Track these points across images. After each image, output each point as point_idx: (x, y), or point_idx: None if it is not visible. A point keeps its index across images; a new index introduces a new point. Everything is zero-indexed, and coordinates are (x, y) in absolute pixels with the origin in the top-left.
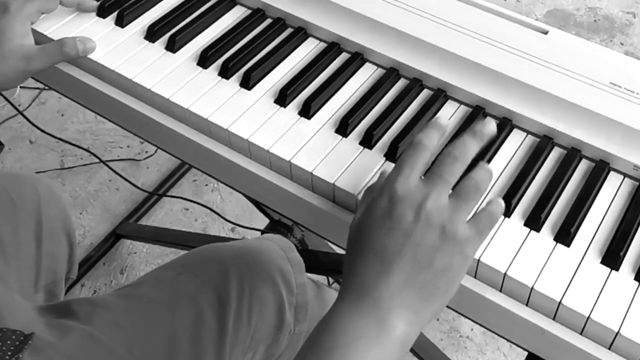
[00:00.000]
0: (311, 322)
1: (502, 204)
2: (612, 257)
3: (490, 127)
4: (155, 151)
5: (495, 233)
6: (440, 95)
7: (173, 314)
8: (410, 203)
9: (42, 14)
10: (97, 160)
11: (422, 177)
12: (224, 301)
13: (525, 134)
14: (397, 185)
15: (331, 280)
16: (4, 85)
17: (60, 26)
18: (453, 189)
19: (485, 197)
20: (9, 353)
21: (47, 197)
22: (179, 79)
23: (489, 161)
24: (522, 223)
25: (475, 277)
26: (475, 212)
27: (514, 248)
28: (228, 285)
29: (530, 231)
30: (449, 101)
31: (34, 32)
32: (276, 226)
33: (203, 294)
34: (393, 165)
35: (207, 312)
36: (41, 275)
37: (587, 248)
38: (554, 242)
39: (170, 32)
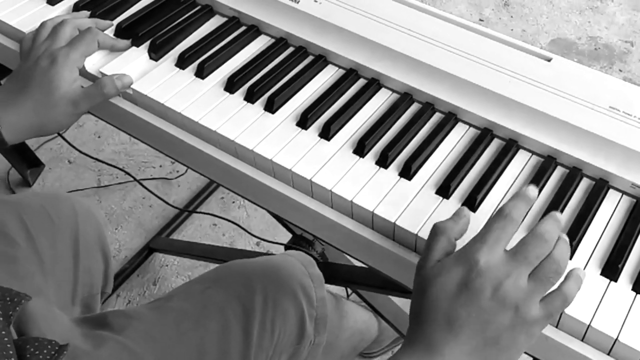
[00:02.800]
0: (330, 333)
1: (574, 289)
2: (611, 269)
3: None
4: (186, 170)
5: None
6: (451, 119)
7: (202, 325)
8: (491, 279)
9: (86, 57)
10: (132, 179)
11: (506, 250)
12: (250, 314)
13: (530, 154)
14: (480, 257)
15: (349, 291)
16: (55, 129)
17: (98, 60)
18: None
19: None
20: None
21: (84, 215)
22: (207, 103)
23: (495, 180)
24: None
25: None
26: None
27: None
28: (253, 299)
29: None
30: (459, 124)
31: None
32: (298, 240)
33: (230, 307)
34: (407, 181)
35: (234, 324)
36: (78, 290)
37: (588, 261)
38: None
39: (199, 60)
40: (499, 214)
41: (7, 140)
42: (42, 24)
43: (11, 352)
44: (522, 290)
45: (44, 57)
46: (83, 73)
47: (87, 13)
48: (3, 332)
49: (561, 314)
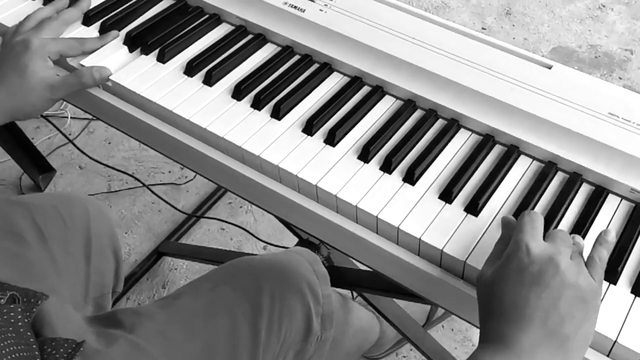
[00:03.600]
0: (336, 329)
1: (604, 253)
2: (611, 272)
3: (611, 235)
4: (194, 176)
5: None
6: (454, 125)
7: (211, 323)
8: (547, 259)
9: (62, 56)
10: (141, 185)
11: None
12: (257, 311)
13: (531, 159)
14: (529, 242)
15: (355, 294)
16: (33, 114)
17: (108, 62)
18: None
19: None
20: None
21: (96, 216)
22: (215, 110)
23: (497, 185)
24: None
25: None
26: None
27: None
28: (261, 296)
29: None
30: (462, 130)
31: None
32: (304, 245)
33: (238, 304)
34: (410, 186)
35: (242, 321)
36: (90, 289)
37: None
38: None
39: (207, 67)
40: (526, 212)
41: None
42: (28, 16)
43: (36, 352)
44: (573, 264)
45: (19, 43)
46: (66, 65)
47: (78, 13)
48: (29, 333)
49: None
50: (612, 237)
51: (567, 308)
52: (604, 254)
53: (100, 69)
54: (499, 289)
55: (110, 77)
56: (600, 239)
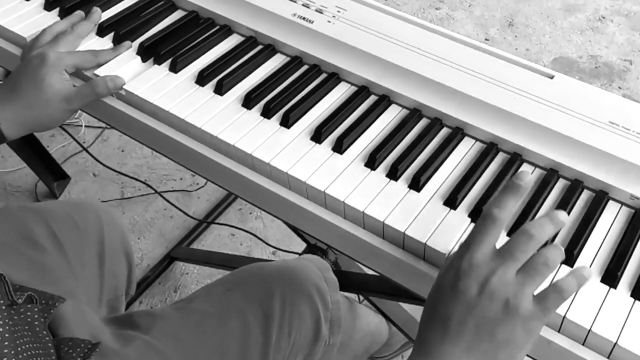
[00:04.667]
0: (344, 334)
1: (574, 283)
2: (611, 277)
3: (564, 216)
4: (205, 183)
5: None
6: (458, 133)
7: (223, 326)
8: (476, 277)
9: (77, 69)
10: (154, 191)
11: (494, 249)
12: (269, 315)
13: (533, 167)
14: (464, 259)
15: (361, 297)
16: (51, 125)
17: (122, 72)
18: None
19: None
20: (78, 359)
21: (108, 221)
22: (225, 118)
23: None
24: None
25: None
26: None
27: None
28: (272, 301)
29: None
30: (466, 138)
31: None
32: (312, 250)
33: (250, 308)
34: (416, 193)
35: (253, 325)
36: (104, 292)
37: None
38: (559, 265)
39: (218, 77)
40: (482, 216)
41: (6, 135)
42: (44, 30)
43: (52, 351)
44: (509, 284)
45: (36, 57)
46: (82, 76)
47: (91, 26)
48: (44, 332)
49: (563, 319)
50: (588, 273)
51: (488, 329)
52: (573, 287)
53: (113, 79)
54: (433, 297)
55: (124, 87)
56: (578, 271)
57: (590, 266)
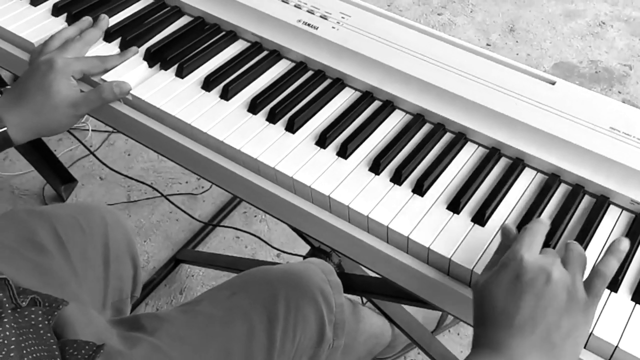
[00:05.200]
0: (347, 336)
1: (612, 265)
2: (612, 281)
3: (625, 243)
4: (211, 186)
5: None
6: (461, 138)
7: (228, 329)
8: (540, 268)
9: (85, 75)
10: (160, 195)
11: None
12: (273, 318)
13: (535, 172)
14: (524, 253)
15: (364, 299)
16: (58, 130)
17: (129, 77)
18: None
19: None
20: None
21: (113, 224)
22: (231, 123)
23: (503, 196)
24: None
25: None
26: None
27: None
28: (277, 304)
29: None
30: (468, 143)
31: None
32: (316, 252)
33: (255, 312)
34: (419, 197)
35: (258, 328)
36: (109, 294)
37: None
38: None
39: (224, 82)
40: (527, 226)
41: (13, 139)
42: (53, 36)
43: (57, 352)
44: (566, 274)
45: (44, 62)
46: (89, 81)
47: (99, 32)
48: (49, 334)
49: None
50: (625, 246)
51: (555, 318)
52: (613, 264)
53: (120, 84)
54: (492, 295)
55: (131, 92)
56: (612, 248)
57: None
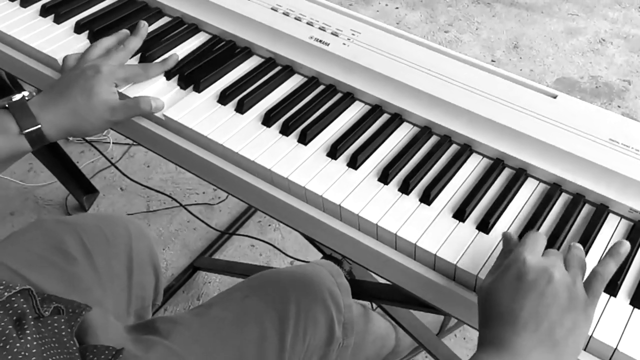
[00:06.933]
0: (357, 336)
1: (611, 267)
2: (611, 286)
3: (625, 246)
4: (227, 197)
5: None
6: (466, 150)
7: (241, 331)
8: (542, 268)
9: (127, 82)
10: (178, 205)
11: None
12: (284, 320)
13: (537, 182)
14: (527, 255)
15: (374, 305)
16: (90, 132)
17: (147, 92)
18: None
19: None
20: None
21: (137, 234)
22: (246, 135)
23: (507, 205)
24: None
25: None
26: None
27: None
28: (287, 306)
29: None
30: (474, 154)
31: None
32: (328, 260)
33: (266, 313)
34: (426, 206)
35: (270, 329)
36: (132, 302)
37: None
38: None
39: (239, 96)
40: (529, 233)
41: (47, 136)
42: (94, 44)
43: (79, 359)
44: (567, 275)
45: (90, 68)
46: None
47: (140, 41)
48: (72, 342)
49: None
50: (626, 249)
51: (558, 316)
52: (611, 267)
53: (156, 99)
54: (497, 296)
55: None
56: (612, 250)
57: None
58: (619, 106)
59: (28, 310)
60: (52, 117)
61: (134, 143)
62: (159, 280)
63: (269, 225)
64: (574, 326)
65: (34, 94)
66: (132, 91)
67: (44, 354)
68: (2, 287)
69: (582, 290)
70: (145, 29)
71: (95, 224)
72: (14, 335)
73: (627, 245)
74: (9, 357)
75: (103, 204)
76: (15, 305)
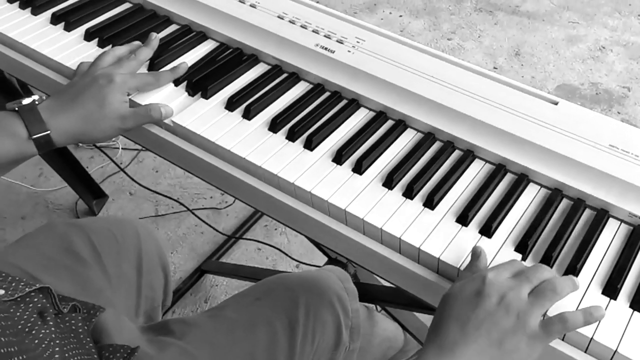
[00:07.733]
0: (363, 339)
1: (580, 320)
2: (611, 289)
3: (601, 313)
4: (234, 201)
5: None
6: (469, 155)
7: (252, 333)
8: (498, 289)
9: (138, 91)
10: (186, 209)
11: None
12: (294, 323)
13: (539, 187)
14: (489, 274)
15: (379, 308)
16: (100, 139)
17: (155, 99)
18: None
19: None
20: None
21: (146, 237)
22: (253, 141)
23: (509, 210)
24: (534, 262)
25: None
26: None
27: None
28: (297, 309)
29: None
30: (476, 160)
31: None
32: (333, 263)
33: (277, 317)
34: (430, 211)
35: (280, 332)
36: (142, 303)
37: (590, 281)
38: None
39: (246, 103)
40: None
41: (55, 142)
42: (106, 52)
43: (95, 356)
44: (523, 301)
45: (103, 76)
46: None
47: (151, 52)
48: (88, 339)
49: None
50: (601, 315)
51: (499, 335)
52: (579, 322)
53: (166, 107)
54: (453, 304)
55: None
56: (589, 309)
57: (592, 279)
58: (618, 112)
59: (48, 305)
60: (62, 123)
61: (143, 148)
62: (168, 282)
63: (275, 229)
64: (512, 351)
65: (44, 98)
66: (140, 97)
67: (64, 348)
68: (23, 283)
69: (536, 321)
70: (157, 40)
71: (105, 227)
72: (39, 323)
73: (602, 312)
74: (35, 341)
75: (112, 208)
76: (36, 299)
